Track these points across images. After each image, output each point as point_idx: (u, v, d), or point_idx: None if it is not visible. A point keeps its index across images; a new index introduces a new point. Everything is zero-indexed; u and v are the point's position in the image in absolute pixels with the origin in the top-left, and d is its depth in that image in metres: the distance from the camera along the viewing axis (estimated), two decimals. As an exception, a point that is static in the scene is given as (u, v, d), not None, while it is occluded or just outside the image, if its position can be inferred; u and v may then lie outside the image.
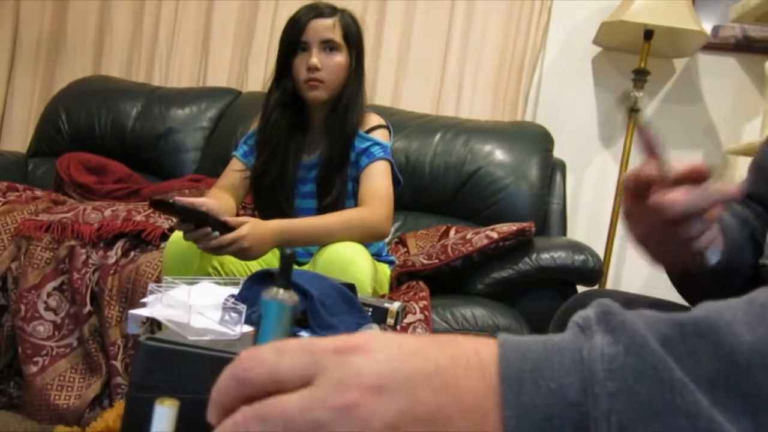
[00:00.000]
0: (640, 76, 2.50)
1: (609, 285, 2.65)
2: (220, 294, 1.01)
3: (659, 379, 0.31)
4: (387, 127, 1.72)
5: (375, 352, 0.33)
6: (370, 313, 1.07)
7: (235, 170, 1.73)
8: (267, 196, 1.69)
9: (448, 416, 0.31)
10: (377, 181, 1.62)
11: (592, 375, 0.31)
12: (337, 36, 1.64)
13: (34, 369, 1.73)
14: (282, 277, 0.38)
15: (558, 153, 2.48)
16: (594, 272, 1.80)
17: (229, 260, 1.56)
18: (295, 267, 1.54)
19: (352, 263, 1.42)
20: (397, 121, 2.30)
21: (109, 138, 2.70)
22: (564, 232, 2.38)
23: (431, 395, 0.32)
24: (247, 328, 0.88)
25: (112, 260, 1.79)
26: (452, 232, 2.11)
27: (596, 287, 1.91)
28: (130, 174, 2.54)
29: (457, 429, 0.31)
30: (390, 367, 0.32)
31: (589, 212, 2.75)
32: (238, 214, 1.73)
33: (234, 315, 0.88)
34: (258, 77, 2.93)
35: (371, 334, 0.34)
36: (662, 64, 2.67)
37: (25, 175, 2.67)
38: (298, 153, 1.69)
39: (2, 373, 1.81)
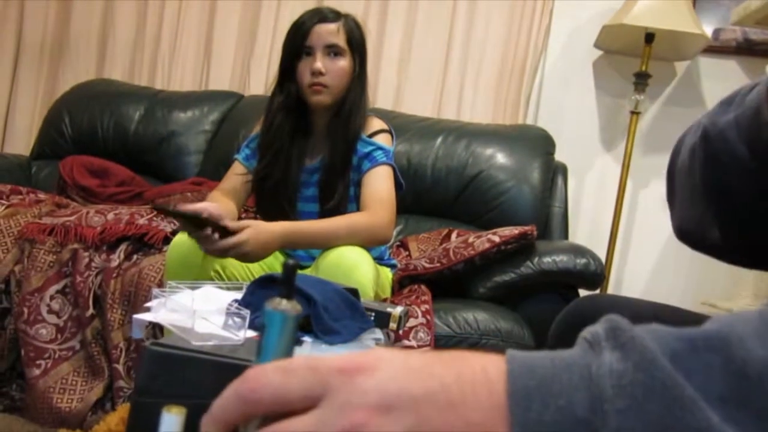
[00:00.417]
0: (642, 79, 2.50)
1: (611, 289, 2.65)
2: (224, 299, 1.02)
3: (669, 396, 0.30)
4: (389, 131, 1.73)
5: (380, 371, 0.33)
6: (372, 318, 1.08)
7: (237, 174, 1.73)
8: (269, 200, 1.70)
9: None
10: (380, 185, 1.63)
11: (600, 392, 0.31)
12: (341, 41, 1.64)
13: (37, 372, 1.74)
14: (285, 286, 0.38)
15: (559, 156, 2.48)
16: (596, 276, 1.80)
17: (231, 265, 1.56)
18: (298, 271, 1.55)
19: (354, 267, 1.42)
20: (399, 125, 2.31)
21: (111, 141, 2.71)
22: (566, 235, 2.38)
23: (437, 414, 0.31)
24: (251, 333, 0.89)
25: (114, 263, 1.80)
26: (454, 235, 2.12)
27: (598, 291, 1.91)
28: (132, 177, 2.55)
29: None
30: (396, 386, 0.32)
31: (591, 215, 2.76)
32: (240, 218, 1.74)
33: (238, 320, 0.88)
34: (260, 81, 2.94)
35: (377, 353, 0.34)
36: (663, 67, 2.67)
37: (29, 178, 2.68)
38: (300, 157, 1.70)
39: (5, 376, 1.82)
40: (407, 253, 2.13)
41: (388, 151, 1.67)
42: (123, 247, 1.84)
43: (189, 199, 2.24)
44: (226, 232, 1.37)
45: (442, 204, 2.38)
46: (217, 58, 3.01)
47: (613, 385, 0.31)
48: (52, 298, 1.80)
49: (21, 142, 3.13)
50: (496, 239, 1.80)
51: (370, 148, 1.66)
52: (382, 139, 1.69)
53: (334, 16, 1.66)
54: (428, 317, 1.61)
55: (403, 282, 1.84)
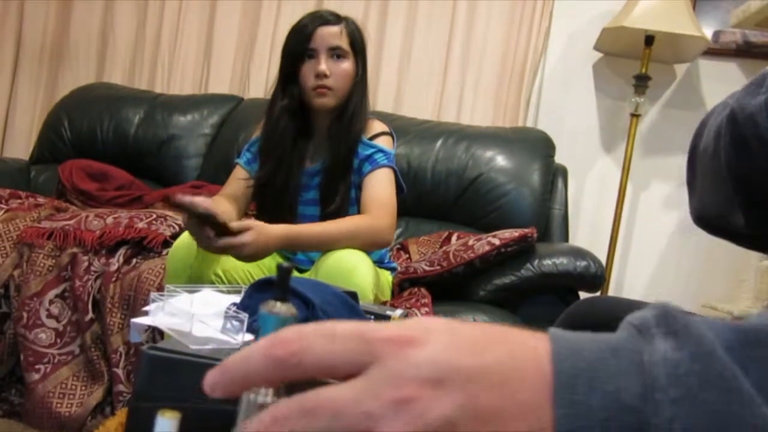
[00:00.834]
0: (641, 82, 2.50)
1: (611, 291, 2.64)
2: (222, 302, 1.01)
3: (727, 389, 0.29)
4: (390, 134, 1.73)
5: (431, 344, 0.31)
6: (372, 321, 1.07)
7: (239, 178, 1.73)
8: (270, 203, 1.69)
9: (506, 412, 0.30)
10: (380, 188, 1.62)
11: (653, 380, 0.30)
12: (344, 43, 1.64)
13: (36, 377, 1.74)
14: (279, 289, 0.38)
15: (559, 158, 2.48)
16: (596, 278, 1.80)
17: (233, 268, 1.56)
18: (297, 275, 1.54)
19: (354, 270, 1.42)
20: (399, 127, 2.30)
21: (111, 145, 2.71)
22: (566, 238, 2.38)
23: (489, 391, 0.30)
24: (249, 337, 0.88)
25: (114, 267, 1.79)
26: (454, 238, 2.11)
27: (598, 293, 1.90)
28: (132, 181, 2.55)
29: (515, 425, 0.30)
30: (448, 361, 0.31)
31: (591, 218, 2.75)
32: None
33: (236, 323, 0.88)
34: (260, 84, 2.94)
35: (424, 325, 0.33)
36: (663, 69, 2.67)
37: (28, 182, 2.68)
38: (301, 160, 1.69)
39: (4, 381, 1.81)
40: (407, 255, 2.13)
41: (389, 153, 1.67)
42: (122, 250, 1.83)
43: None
44: (226, 231, 1.37)
45: (442, 206, 2.38)
46: (217, 62, 3.01)
47: (668, 374, 0.30)
48: (51, 302, 1.80)
49: (20, 146, 3.13)
50: (496, 242, 1.80)
51: (371, 150, 1.65)
52: (383, 142, 1.69)
53: (335, 18, 1.66)
54: (428, 320, 1.60)
55: (403, 285, 1.84)
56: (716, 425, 0.29)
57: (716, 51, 2.64)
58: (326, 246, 1.50)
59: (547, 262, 1.80)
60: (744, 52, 2.65)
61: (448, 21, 2.80)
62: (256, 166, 1.72)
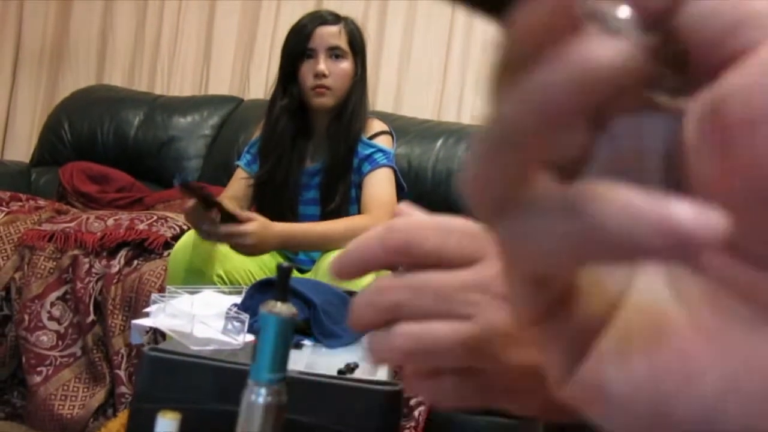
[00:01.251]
0: (642, 80, 2.49)
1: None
2: (223, 303, 1.01)
3: None
4: (390, 134, 1.73)
5: None
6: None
7: (241, 179, 1.73)
8: (270, 203, 1.69)
9: None
10: (380, 188, 1.62)
11: None
12: (343, 43, 1.65)
13: (38, 379, 1.73)
14: (279, 290, 0.38)
15: (560, 157, 2.47)
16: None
17: (234, 269, 1.56)
18: (298, 275, 1.54)
19: (354, 270, 1.41)
20: (399, 127, 2.30)
21: (111, 147, 2.71)
22: (567, 236, 2.37)
23: None
24: (250, 338, 0.88)
25: (115, 269, 1.79)
26: (455, 237, 2.11)
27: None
28: (132, 183, 2.55)
29: None
30: None
31: (592, 216, 2.75)
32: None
33: (237, 324, 0.88)
34: (260, 85, 2.93)
35: None
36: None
37: (28, 184, 2.68)
38: (301, 159, 1.69)
39: (6, 384, 1.81)
40: (408, 255, 2.12)
41: (388, 153, 1.67)
42: (123, 252, 1.83)
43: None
44: (230, 218, 1.37)
45: (443, 206, 2.37)
46: (217, 63, 3.01)
47: None
48: (52, 304, 1.79)
49: (20, 149, 3.13)
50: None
51: (371, 150, 1.65)
52: (383, 141, 1.69)
53: (335, 18, 1.66)
54: (430, 320, 1.60)
55: (405, 285, 1.84)
56: None
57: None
58: (326, 245, 1.50)
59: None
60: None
61: (448, 21, 2.80)
62: (256, 168, 1.72)
